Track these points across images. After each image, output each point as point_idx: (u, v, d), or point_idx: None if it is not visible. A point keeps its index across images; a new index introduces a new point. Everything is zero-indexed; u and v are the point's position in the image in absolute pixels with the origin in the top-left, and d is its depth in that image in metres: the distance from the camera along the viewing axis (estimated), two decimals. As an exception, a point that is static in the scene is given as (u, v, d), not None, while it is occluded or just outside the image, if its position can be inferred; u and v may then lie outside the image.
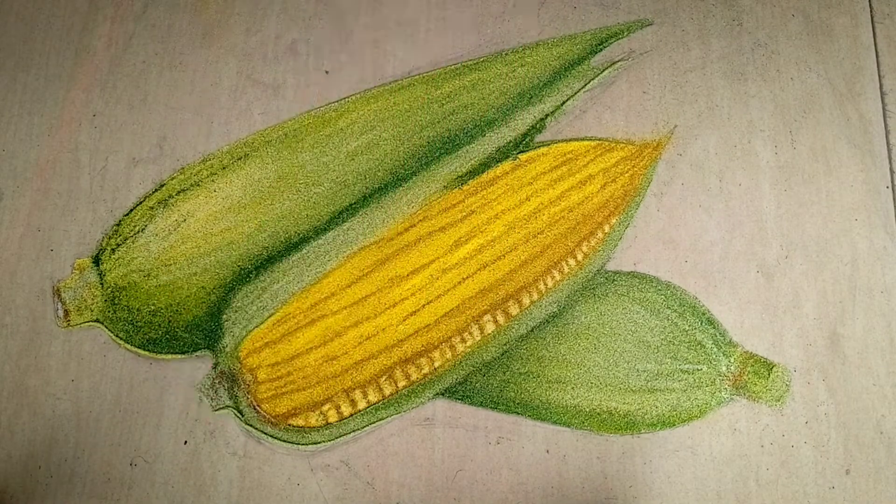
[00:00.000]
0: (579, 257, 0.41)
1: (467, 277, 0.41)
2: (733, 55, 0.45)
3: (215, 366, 0.40)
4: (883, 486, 0.38)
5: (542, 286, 0.41)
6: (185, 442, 0.39)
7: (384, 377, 0.39)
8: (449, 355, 0.40)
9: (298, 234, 0.42)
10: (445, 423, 0.39)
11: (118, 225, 0.42)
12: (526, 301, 0.40)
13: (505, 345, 0.40)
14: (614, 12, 0.45)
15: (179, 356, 0.40)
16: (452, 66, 0.45)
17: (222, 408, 0.39)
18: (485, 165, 0.43)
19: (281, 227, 0.42)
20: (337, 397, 0.39)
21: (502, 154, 0.43)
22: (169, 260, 0.42)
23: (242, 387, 0.39)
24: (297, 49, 0.46)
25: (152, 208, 0.43)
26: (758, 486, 0.38)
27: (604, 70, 0.44)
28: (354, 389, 0.39)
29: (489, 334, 0.40)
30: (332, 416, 0.39)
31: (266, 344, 0.40)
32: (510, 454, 0.38)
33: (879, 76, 0.44)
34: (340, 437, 0.39)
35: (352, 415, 0.39)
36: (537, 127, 0.43)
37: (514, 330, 0.40)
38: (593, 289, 0.41)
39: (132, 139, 0.44)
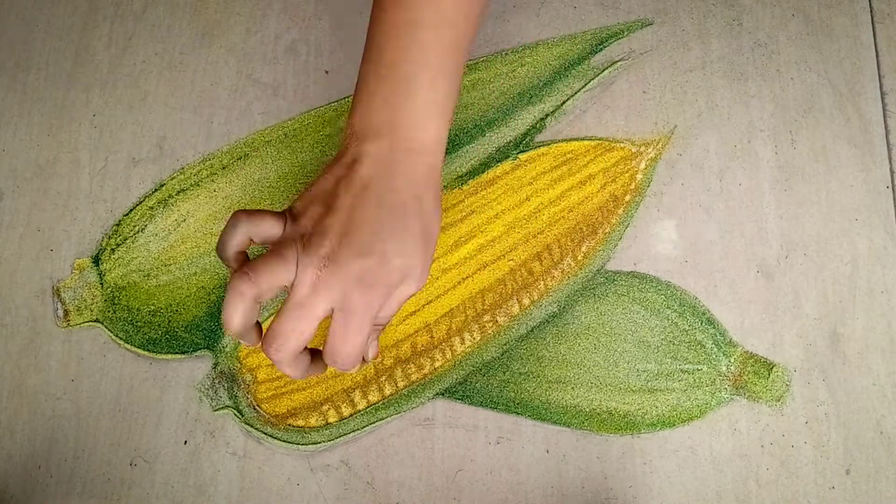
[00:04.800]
0: (579, 257, 0.41)
1: (467, 277, 0.41)
2: (733, 55, 0.45)
3: (215, 366, 0.40)
4: (883, 486, 0.38)
5: (542, 286, 0.41)
6: (185, 442, 0.39)
7: (384, 377, 0.39)
8: (449, 355, 0.40)
9: (298, 234, 0.42)
10: (445, 423, 0.39)
11: (118, 225, 0.42)
12: (526, 301, 0.40)
13: (505, 345, 0.40)
14: (614, 12, 0.46)
15: (179, 356, 0.40)
16: (452, 66, 0.45)
17: (222, 408, 0.39)
18: (485, 165, 0.43)
19: (281, 227, 0.42)
20: (337, 397, 0.39)
21: (502, 154, 0.43)
22: (169, 260, 0.42)
23: (242, 387, 0.39)
24: (297, 49, 0.46)
25: (152, 208, 0.43)
26: (758, 486, 0.38)
27: (604, 70, 0.44)
28: (354, 389, 0.39)
29: (489, 334, 0.40)
30: (332, 417, 0.39)
31: (266, 344, 0.40)
32: (510, 454, 0.38)
33: (879, 76, 0.44)
34: (340, 437, 0.39)
35: (352, 415, 0.39)
36: (537, 127, 0.43)
37: (514, 330, 0.40)
38: (593, 289, 0.41)
39: (132, 139, 0.44)
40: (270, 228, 0.32)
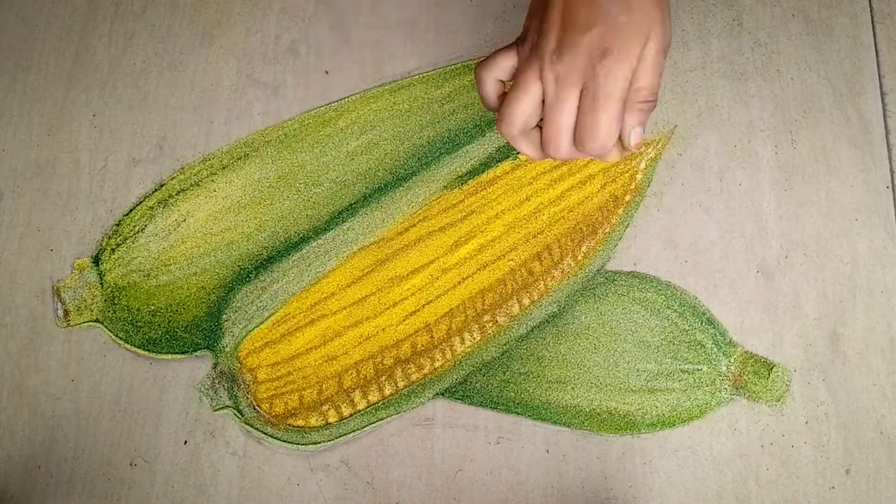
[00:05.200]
0: (579, 257, 0.41)
1: (467, 277, 0.41)
2: (733, 55, 0.45)
3: (215, 366, 0.40)
4: (883, 486, 0.38)
5: (542, 286, 0.41)
6: (185, 442, 0.39)
7: (384, 377, 0.39)
8: (449, 355, 0.40)
9: (298, 234, 0.42)
10: (445, 423, 0.39)
11: (118, 225, 0.42)
12: (526, 301, 0.40)
13: (505, 345, 0.40)
14: (614, 12, 0.45)
15: (179, 356, 0.40)
16: (452, 66, 0.45)
17: (222, 408, 0.39)
18: (485, 165, 0.43)
19: (281, 227, 0.42)
20: (337, 397, 0.39)
21: (502, 154, 0.43)
22: (169, 260, 0.42)
23: (242, 387, 0.40)
24: (297, 49, 0.46)
25: (152, 208, 0.43)
26: (758, 486, 0.38)
27: (604, 70, 0.44)
28: (354, 389, 0.39)
29: (489, 334, 0.40)
30: (332, 417, 0.39)
31: (266, 344, 0.40)
32: (510, 454, 0.38)
33: (879, 76, 0.44)
34: (340, 437, 0.39)
35: (352, 415, 0.39)
36: (537, 127, 0.43)
37: (514, 330, 0.40)
38: (593, 289, 0.41)
39: (132, 139, 0.44)
40: (508, 61, 0.32)
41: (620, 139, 0.31)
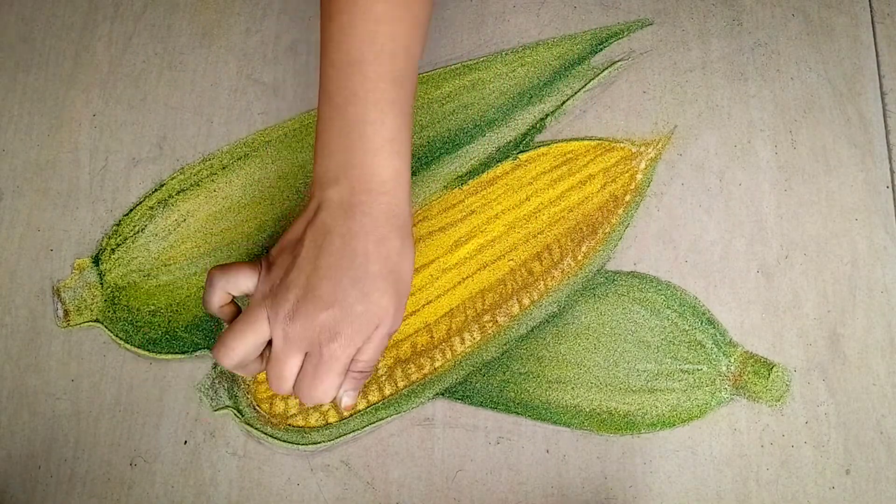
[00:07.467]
0: (579, 257, 0.41)
1: (467, 277, 0.41)
2: (733, 55, 0.45)
3: (215, 366, 0.40)
4: (883, 486, 0.38)
5: (542, 286, 0.41)
6: (185, 442, 0.39)
7: (384, 377, 0.39)
8: (449, 355, 0.40)
9: (298, 234, 0.42)
10: (445, 423, 0.39)
11: (118, 225, 0.42)
12: (526, 301, 0.40)
13: (505, 345, 0.40)
14: (614, 12, 0.46)
15: (179, 356, 0.40)
16: (452, 66, 0.45)
17: (222, 408, 0.39)
18: (485, 165, 0.43)
19: (281, 227, 0.42)
20: (337, 397, 0.39)
21: (502, 154, 0.43)
22: (169, 260, 0.42)
23: (242, 387, 0.39)
24: (297, 49, 0.46)
25: (152, 208, 0.43)
26: (758, 486, 0.38)
27: (604, 70, 0.44)
28: (354, 389, 0.39)
29: (489, 334, 0.40)
30: (332, 417, 0.39)
31: (266, 344, 0.40)
32: (510, 454, 0.38)
33: (879, 76, 0.44)
34: (340, 437, 0.39)
35: (352, 415, 0.39)
36: (537, 127, 0.43)
37: (513, 330, 0.40)
38: (593, 289, 0.41)
39: (132, 139, 0.44)
40: (245, 281, 0.33)
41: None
